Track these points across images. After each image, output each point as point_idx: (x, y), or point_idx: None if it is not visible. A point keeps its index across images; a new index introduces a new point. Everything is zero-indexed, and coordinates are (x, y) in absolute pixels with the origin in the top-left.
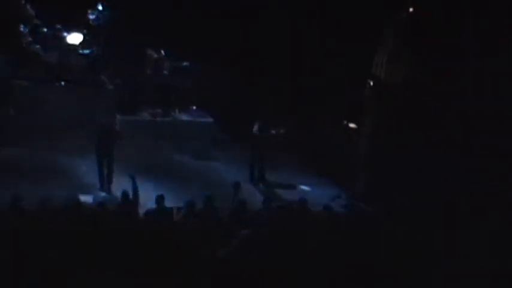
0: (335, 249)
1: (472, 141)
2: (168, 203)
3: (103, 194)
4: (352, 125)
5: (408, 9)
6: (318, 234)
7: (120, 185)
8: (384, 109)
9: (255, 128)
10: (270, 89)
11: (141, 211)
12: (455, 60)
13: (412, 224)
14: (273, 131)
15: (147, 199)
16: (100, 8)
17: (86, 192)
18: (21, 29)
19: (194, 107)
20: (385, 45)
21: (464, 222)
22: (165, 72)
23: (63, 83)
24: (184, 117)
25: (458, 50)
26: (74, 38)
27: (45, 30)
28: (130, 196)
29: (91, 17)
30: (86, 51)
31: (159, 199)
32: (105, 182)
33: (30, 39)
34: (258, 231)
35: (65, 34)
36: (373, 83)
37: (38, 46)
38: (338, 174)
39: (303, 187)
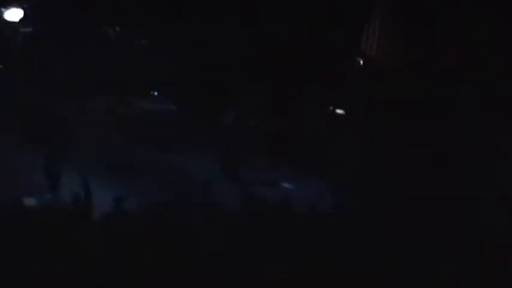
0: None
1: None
2: (129, 205)
3: (50, 195)
4: (339, 112)
5: None
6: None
7: (70, 185)
8: (377, 92)
9: (227, 115)
10: (243, 70)
11: (97, 214)
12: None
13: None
14: (248, 119)
15: (102, 201)
16: None
17: (30, 193)
18: None
19: (155, 93)
20: (376, 19)
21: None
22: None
23: None
24: (145, 104)
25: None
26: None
27: None
28: (83, 198)
29: None
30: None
31: (118, 201)
32: (53, 182)
33: None
34: None
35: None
36: (364, 62)
37: None
38: (325, 168)
39: (285, 184)
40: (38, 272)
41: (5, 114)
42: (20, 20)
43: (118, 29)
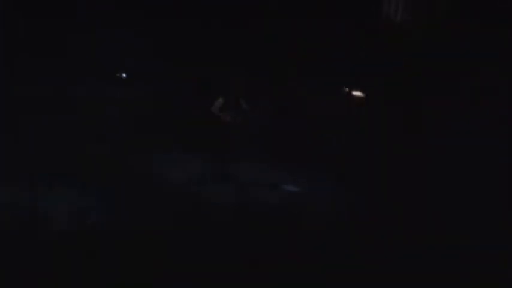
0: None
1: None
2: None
3: None
4: (357, 94)
5: None
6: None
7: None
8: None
9: (216, 106)
10: (237, 50)
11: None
12: None
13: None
14: (243, 109)
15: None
16: None
17: None
18: None
19: (123, 75)
20: None
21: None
22: None
23: None
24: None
25: None
26: None
27: None
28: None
29: None
30: None
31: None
32: None
33: None
34: None
35: None
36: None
37: None
38: (337, 167)
39: (289, 187)
40: None
41: None
42: None
43: None
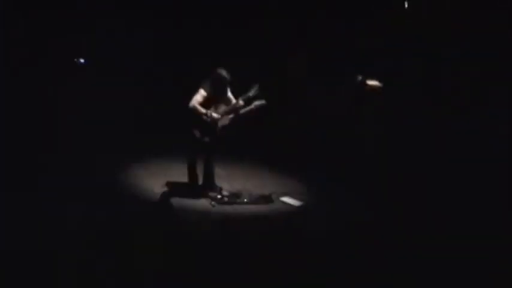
0: None
1: None
2: None
3: None
4: (372, 83)
5: None
6: None
7: None
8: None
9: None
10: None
11: None
12: None
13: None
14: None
15: None
16: None
17: None
18: None
19: (81, 60)
20: None
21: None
22: None
23: None
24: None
25: None
26: None
27: None
28: None
29: None
30: None
31: None
32: None
33: None
34: None
35: None
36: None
37: None
38: (346, 174)
39: (285, 199)
40: None
41: None
42: None
43: None
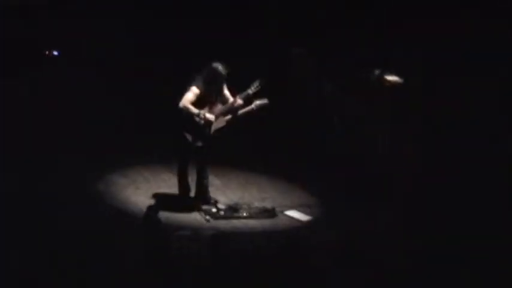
0: None
1: None
2: None
3: None
4: (392, 78)
5: None
6: None
7: None
8: None
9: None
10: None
11: None
12: None
13: None
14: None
15: None
16: None
17: None
18: None
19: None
20: None
21: None
22: None
23: None
24: None
25: None
26: None
27: None
28: None
29: None
30: None
31: None
32: None
33: None
34: None
35: None
36: None
37: None
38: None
39: (291, 213)
40: None
41: None
42: None
43: None
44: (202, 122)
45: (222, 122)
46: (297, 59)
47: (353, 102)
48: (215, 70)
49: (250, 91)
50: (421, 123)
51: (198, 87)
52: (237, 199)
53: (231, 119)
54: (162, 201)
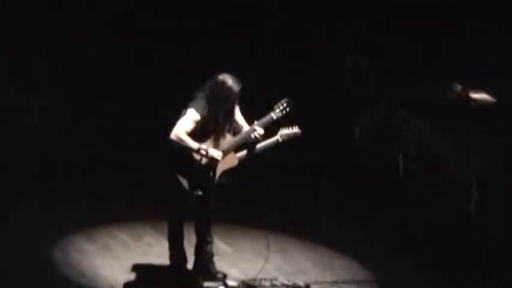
0: None
1: None
2: None
3: None
4: (479, 96)
5: None
6: None
7: None
8: None
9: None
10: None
11: None
12: None
13: None
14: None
15: None
16: None
17: None
18: None
19: None
20: None
21: None
22: None
23: None
24: None
25: None
26: None
27: None
28: None
29: None
30: None
31: None
32: None
33: None
34: None
35: None
36: None
37: None
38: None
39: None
40: None
41: None
42: None
43: None
44: (205, 160)
45: (232, 161)
46: (359, 70)
47: (426, 129)
48: (223, 84)
49: (274, 115)
50: None
51: (197, 110)
52: (255, 273)
53: (246, 156)
54: (146, 275)
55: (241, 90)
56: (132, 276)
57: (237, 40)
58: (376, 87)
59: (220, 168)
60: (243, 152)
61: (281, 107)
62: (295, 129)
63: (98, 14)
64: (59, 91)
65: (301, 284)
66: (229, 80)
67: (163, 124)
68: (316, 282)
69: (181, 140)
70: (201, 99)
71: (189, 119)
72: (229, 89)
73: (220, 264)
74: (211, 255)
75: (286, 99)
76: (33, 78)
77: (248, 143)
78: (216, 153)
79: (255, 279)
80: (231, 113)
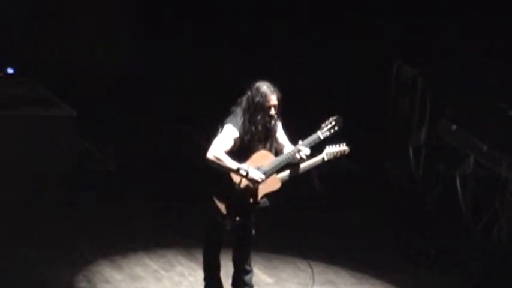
0: None
1: None
2: None
3: None
4: None
5: None
6: None
7: None
8: None
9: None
10: None
11: None
12: None
13: None
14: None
15: None
16: None
17: None
18: None
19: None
20: None
21: None
22: None
23: None
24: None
25: None
26: None
27: None
28: None
29: None
30: None
31: None
32: None
33: None
34: None
35: None
36: None
37: None
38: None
39: None
40: None
41: None
42: None
43: None
44: (244, 182)
45: (275, 183)
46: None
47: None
48: (257, 90)
49: (321, 135)
50: None
51: (235, 125)
52: None
53: (289, 177)
54: None
55: (280, 100)
56: None
57: (284, 58)
58: (434, 106)
59: (261, 191)
60: (286, 173)
61: (329, 126)
62: (343, 147)
63: None
64: None
65: None
66: (263, 85)
67: (199, 144)
68: None
69: (219, 159)
70: (238, 114)
71: (227, 135)
72: (264, 94)
73: None
74: (251, 286)
75: (334, 117)
76: None
77: (292, 164)
78: (258, 175)
79: None
80: (272, 128)
